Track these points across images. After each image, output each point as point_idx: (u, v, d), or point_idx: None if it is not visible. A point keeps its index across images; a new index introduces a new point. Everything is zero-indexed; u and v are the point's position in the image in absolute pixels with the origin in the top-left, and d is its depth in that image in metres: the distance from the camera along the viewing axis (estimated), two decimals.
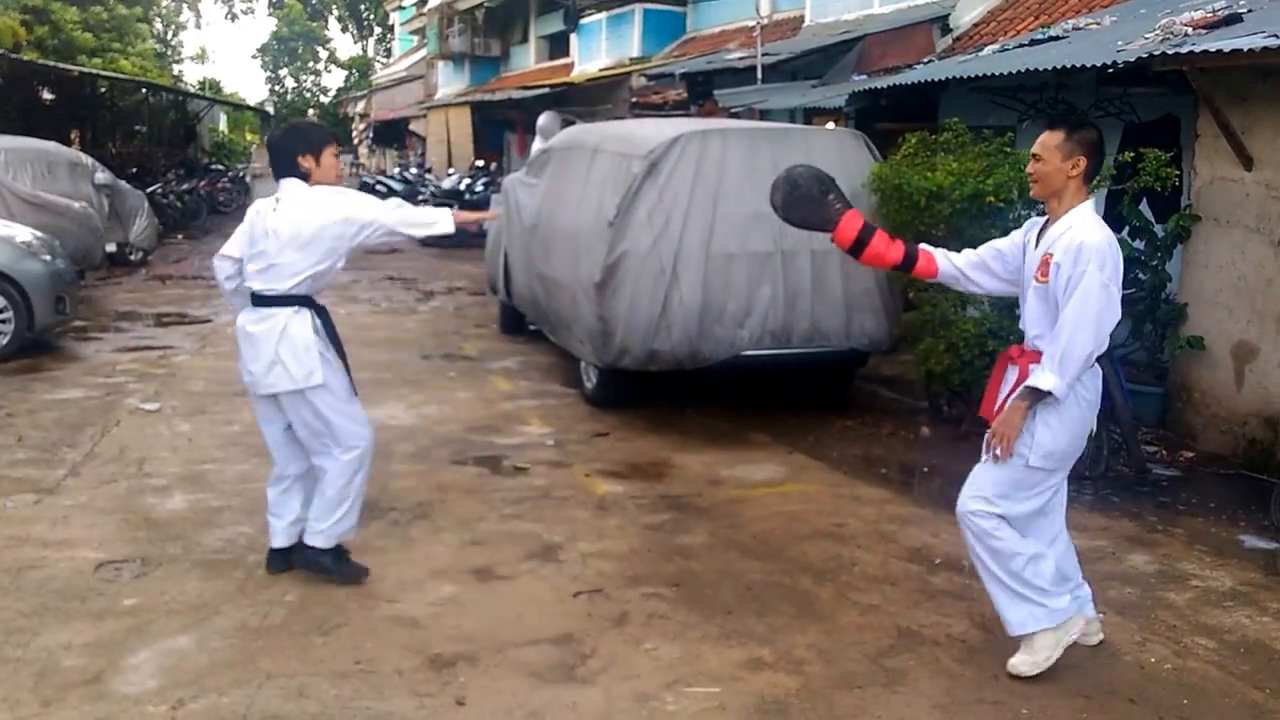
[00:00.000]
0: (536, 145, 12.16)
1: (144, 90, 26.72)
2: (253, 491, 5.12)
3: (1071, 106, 8.29)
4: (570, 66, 23.42)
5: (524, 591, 4.28)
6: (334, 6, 63.12)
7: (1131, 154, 6.40)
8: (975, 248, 3.82)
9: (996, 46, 9.71)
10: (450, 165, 26.67)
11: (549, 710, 3.36)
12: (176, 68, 50.07)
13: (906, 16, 12.10)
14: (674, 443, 6.48)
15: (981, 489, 3.57)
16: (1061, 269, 3.38)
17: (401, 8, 44.16)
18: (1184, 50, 5.91)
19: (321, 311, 4.14)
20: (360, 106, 50.30)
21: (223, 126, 43.73)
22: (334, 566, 4.23)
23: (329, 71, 67.45)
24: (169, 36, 51.05)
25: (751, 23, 14.14)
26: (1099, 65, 6.69)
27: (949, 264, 3.76)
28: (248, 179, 27.72)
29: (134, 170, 18.83)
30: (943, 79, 8.67)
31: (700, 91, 15.07)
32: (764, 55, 12.74)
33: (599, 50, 21.82)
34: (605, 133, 7.80)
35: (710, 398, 7.42)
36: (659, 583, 4.38)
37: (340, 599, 4.12)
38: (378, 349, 9.00)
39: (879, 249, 3.68)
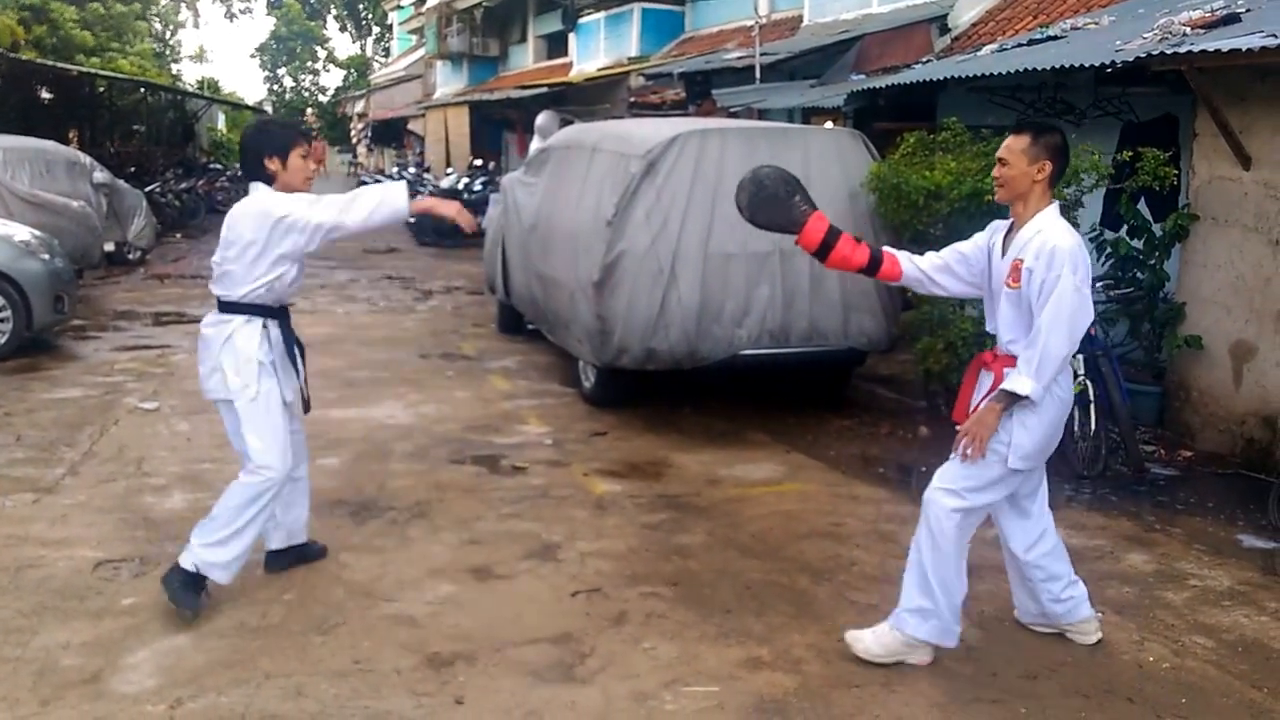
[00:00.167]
0: (535, 145, 12.19)
1: (142, 90, 26.72)
2: None
3: (1070, 106, 8.30)
4: (568, 66, 23.41)
5: (522, 591, 4.28)
6: (332, 6, 63.10)
7: (1130, 153, 6.41)
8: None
9: (995, 46, 9.71)
10: (449, 164, 26.68)
11: (547, 709, 3.36)
12: (175, 67, 50.09)
13: (905, 16, 12.10)
14: (672, 442, 6.48)
15: (952, 481, 3.59)
16: (1034, 274, 3.40)
17: (400, 7, 44.13)
18: (1182, 50, 5.91)
19: (282, 323, 4.02)
20: (359, 106, 50.30)
21: (221, 126, 43.70)
22: (179, 592, 3.86)
23: (327, 71, 67.46)
24: (167, 36, 51.06)
25: (750, 22, 14.13)
26: (1097, 65, 6.69)
27: (913, 267, 3.78)
28: None
29: (132, 169, 18.82)
30: (941, 79, 8.68)
31: (698, 91, 15.08)
32: (762, 55, 12.74)
33: (597, 50, 21.81)
34: (603, 132, 7.80)
35: (708, 397, 7.42)
36: (657, 582, 4.38)
37: (339, 599, 4.12)
38: (376, 348, 8.99)
39: (845, 252, 3.69)
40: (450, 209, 4.06)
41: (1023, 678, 3.64)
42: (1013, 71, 7.37)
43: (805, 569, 4.56)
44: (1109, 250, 6.90)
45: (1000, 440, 3.49)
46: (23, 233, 8.68)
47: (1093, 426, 5.87)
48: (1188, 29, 6.81)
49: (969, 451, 3.49)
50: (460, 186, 18.88)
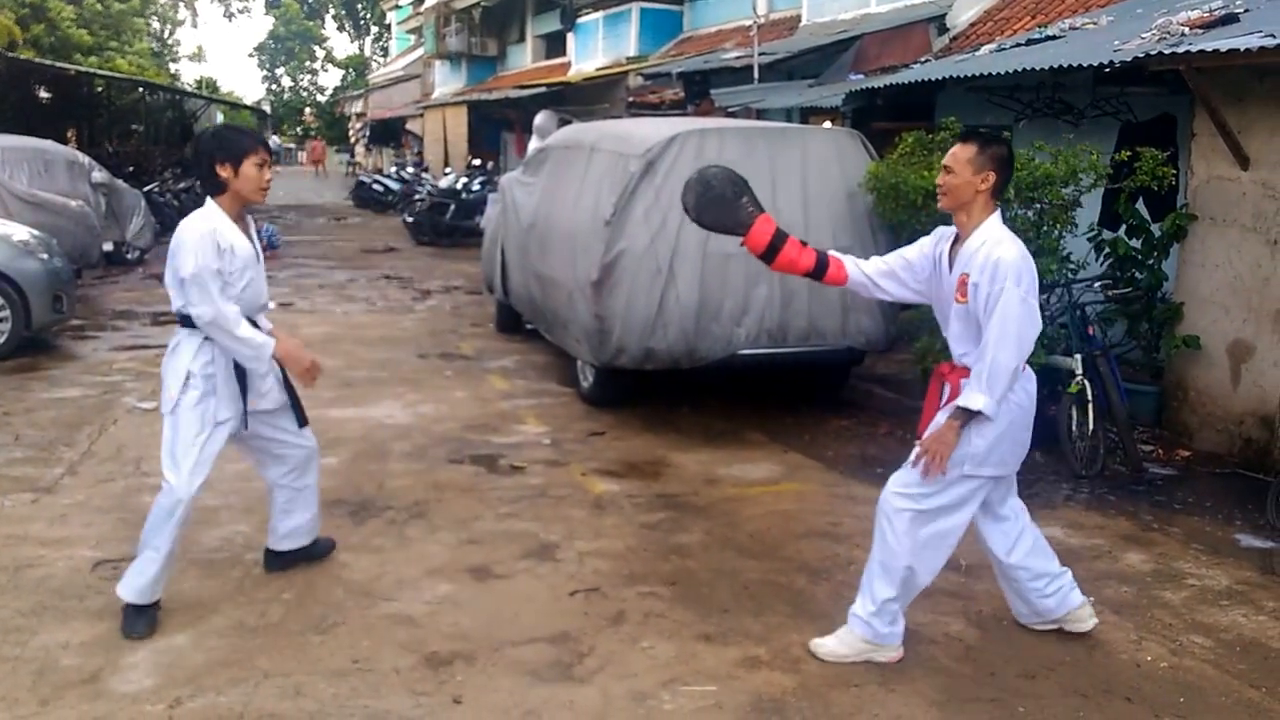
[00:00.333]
0: (533, 144, 12.19)
1: (141, 89, 26.73)
2: (249, 491, 5.12)
3: (1068, 106, 8.31)
4: (567, 66, 23.41)
5: (521, 590, 4.28)
6: (331, 6, 63.15)
7: (1128, 153, 6.41)
8: None
9: (993, 46, 9.72)
10: (447, 164, 26.70)
11: (546, 709, 3.36)
12: (173, 67, 50.13)
13: (903, 16, 12.10)
14: (670, 442, 6.48)
15: (908, 485, 3.60)
16: (980, 288, 3.41)
17: (398, 7, 44.14)
18: (1181, 50, 5.91)
19: None
20: (357, 106, 50.29)
21: None
22: (124, 620, 3.77)
23: (326, 71, 67.62)
24: (166, 35, 51.04)
25: (748, 22, 14.13)
26: (1096, 65, 6.70)
27: (858, 272, 3.78)
28: None
29: (131, 169, 18.83)
30: (939, 79, 8.68)
31: (697, 91, 15.09)
32: (761, 55, 12.74)
33: (596, 49, 21.81)
34: (602, 132, 7.80)
35: (707, 396, 7.43)
36: (655, 581, 4.38)
37: (338, 598, 4.12)
38: (374, 348, 8.99)
39: (791, 255, 3.68)
40: (300, 365, 3.91)
41: (1021, 677, 3.65)
42: (1011, 71, 7.37)
43: (803, 568, 4.57)
44: (1107, 250, 6.91)
45: (959, 454, 3.50)
46: (21, 232, 8.68)
47: (1091, 426, 5.88)
48: (1186, 29, 6.81)
49: (929, 470, 3.50)
50: (459, 186, 18.89)
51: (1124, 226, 7.00)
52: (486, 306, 10.88)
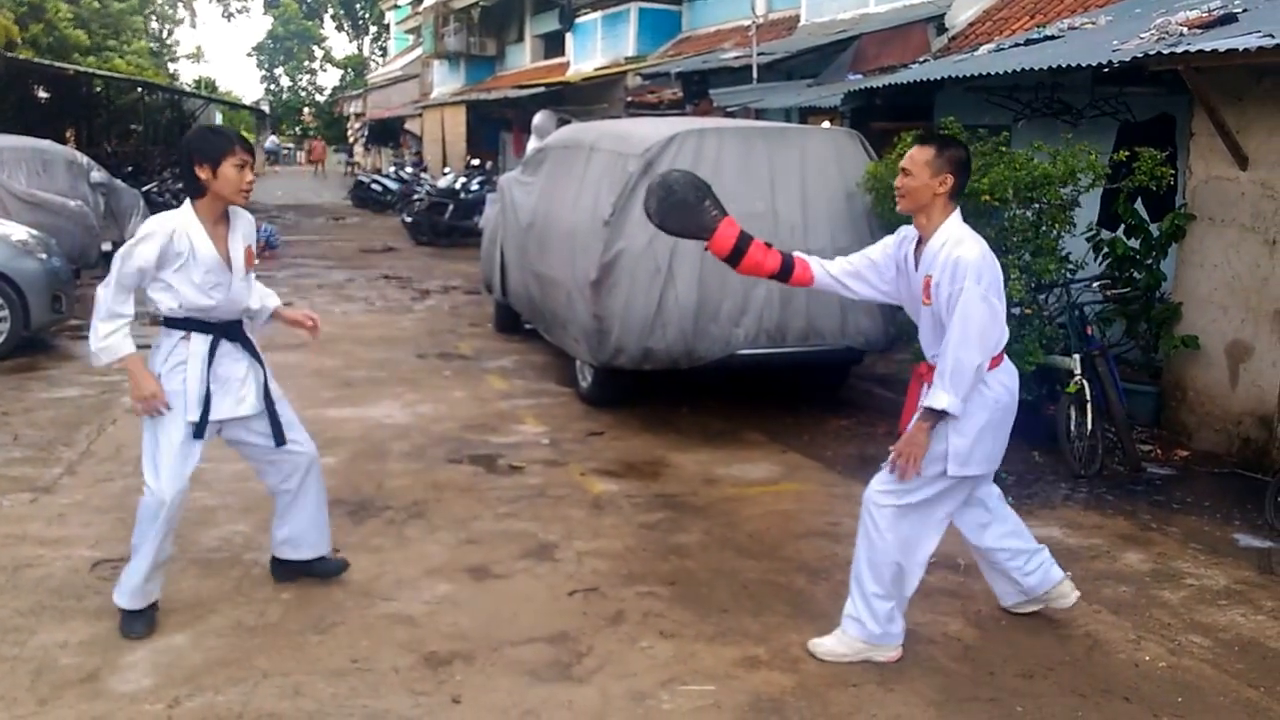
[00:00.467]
0: (532, 144, 12.19)
1: (140, 89, 26.72)
2: (248, 490, 5.11)
3: (1067, 106, 8.31)
4: (566, 65, 23.41)
5: (519, 590, 4.28)
6: (329, 5, 63.12)
7: (1127, 153, 6.41)
8: None
9: (992, 46, 9.72)
10: (445, 164, 26.70)
11: (544, 708, 3.36)
12: (172, 66, 50.10)
13: (902, 16, 12.10)
14: (669, 442, 6.48)
15: (886, 484, 3.62)
16: (941, 288, 3.42)
17: (397, 6, 44.14)
18: (1179, 50, 5.92)
19: (217, 339, 3.85)
20: (356, 106, 50.30)
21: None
22: (123, 620, 3.76)
23: (324, 70, 67.59)
24: (164, 35, 51.02)
25: (747, 22, 14.13)
26: (1094, 65, 6.70)
27: (824, 273, 3.78)
28: None
29: (129, 169, 18.83)
30: (938, 78, 8.68)
31: (696, 90, 15.08)
32: (759, 54, 12.74)
33: (594, 49, 21.81)
34: (601, 131, 7.80)
35: (705, 396, 7.43)
36: (654, 581, 4.38)
37: (337, 598, 4.12)
38: (373, 347, 8.99)
39: (757, 258, 3.68)
40: (138, 391, 3.83)
41: (1019, 676, 3.65)
42: (1010, 71, 7.37)
43: (802, 568, 4.57)
44: (1106, 250, 6.91)
45: (936, 451, 3.50)
46: (20, 232, 8.67)
47: (1089, 426, 5.88)
48: (1185, 29, 6.82)
49: (905, 474, 3.51)
50: (457, 186, 18.89)
51: (1122, 226, 7.00)
52: (485, 306, 10.88)
